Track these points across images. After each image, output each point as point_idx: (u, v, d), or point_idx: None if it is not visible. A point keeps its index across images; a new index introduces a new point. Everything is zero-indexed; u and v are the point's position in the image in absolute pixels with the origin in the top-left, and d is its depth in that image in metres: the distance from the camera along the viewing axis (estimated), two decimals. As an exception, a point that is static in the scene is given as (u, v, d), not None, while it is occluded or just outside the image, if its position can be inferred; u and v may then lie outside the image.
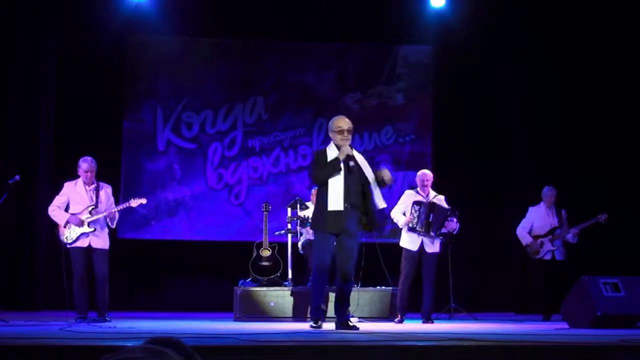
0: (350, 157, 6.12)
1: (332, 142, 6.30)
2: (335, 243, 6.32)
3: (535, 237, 8.62)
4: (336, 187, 6.11)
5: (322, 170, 6.14)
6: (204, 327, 6.34)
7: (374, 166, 10.77)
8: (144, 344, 1.84)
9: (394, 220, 7.78)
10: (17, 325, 6.37)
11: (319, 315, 6.28)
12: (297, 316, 7.81)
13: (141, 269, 10.30)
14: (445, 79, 10.98)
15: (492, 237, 10.74)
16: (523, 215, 9.00)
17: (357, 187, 6.17)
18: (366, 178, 6.24)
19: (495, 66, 10.83)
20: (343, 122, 6.22)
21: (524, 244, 8.73)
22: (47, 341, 4.40)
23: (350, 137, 6.20)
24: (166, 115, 10.74)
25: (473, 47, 10.59)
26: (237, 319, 7.85)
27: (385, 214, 7.56)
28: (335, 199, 6.09)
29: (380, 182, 6.26)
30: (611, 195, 9.77)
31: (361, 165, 6.24)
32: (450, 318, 8.65)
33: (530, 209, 8.81)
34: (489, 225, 10.73)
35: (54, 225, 7.35)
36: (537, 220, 8.70)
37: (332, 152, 6.21)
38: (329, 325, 6.48)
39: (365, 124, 10.96)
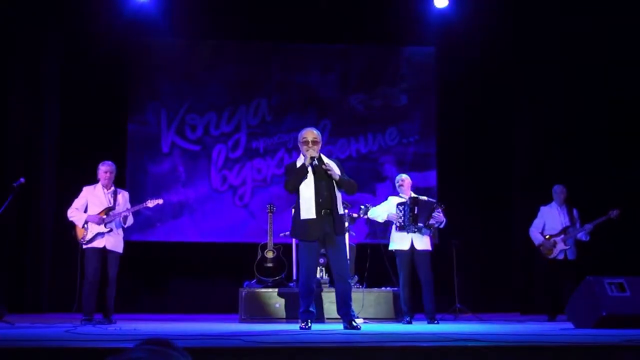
0: (313, 158, 6.32)
1: (300, 153, 6.54)
2: (323, 248, 6.53)
3: (548, 237, 8.58)
4: (307, 196, 6.32)
5: (291, 177, 6.38)
6: (209, 329, 6.34)
7: (378, 167, 10.90)
8: (143, 345, 1.85)
9: (373, 217, 7.81)
10: (23, 328, 6.38)
11: (309, 317, 6.39)
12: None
13: (146, 271, 10.32)
14: (449, 80, 10.98)
15: (497, 237, 10.74)
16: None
17: (328, 193, 6.34)
18: (333, 182, 6.39)
19: (498, 66, 10.83)
20: (308, 134, 6.49)
21: (536, 244, 8.68)
22: (53, 343, 4.41)
23: (315, 147, 6.41)
24: (170, 118, 10.76)
25: (476, 47, 10.59)
26: (242, 321, 7.85)
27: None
28: (307, 208, 6.30)
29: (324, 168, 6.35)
30: (618, 196, 9.76)
31: (330, 168, 6.35)
32: (455, 319, 8.64)
33: (542, 208, 8.76)
34: (494, 225, 10.74)
35: (72, 227, 7.42)
36: (548, 219, 8.65)
37: (300, 162, 6.46)
38: (317, 326, 6.56)
39: (369, 125, 10.99)
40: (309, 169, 6.33)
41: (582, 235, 8.49)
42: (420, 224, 7.52)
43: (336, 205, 6.35)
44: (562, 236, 8.50)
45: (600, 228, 8.48)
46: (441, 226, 7.77)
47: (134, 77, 10.75)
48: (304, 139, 6.45)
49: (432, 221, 7.59)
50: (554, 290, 8.48)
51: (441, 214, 7.65)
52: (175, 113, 10.80)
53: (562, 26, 10.33)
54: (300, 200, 6.33)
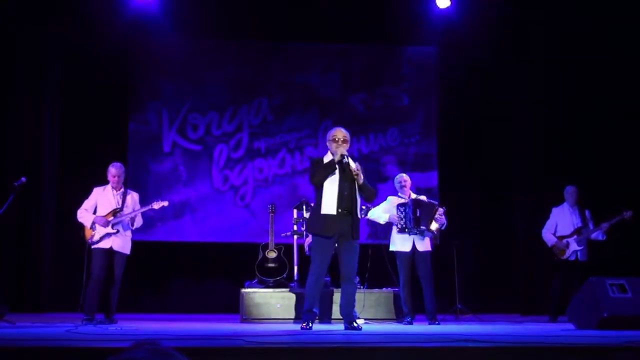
0: (344, 156, 6.36)
1: (328, 151, 6.58)
2: (335, 246, 6.49)
3: (560, 238, 8.55)
4: (330, 192, 6.34)
5: (319, 170, 6.41)
6: (209, 329, 6.34)
7: (380, 167, 10.90)
8: (139, 347, 1.86)
9: (373, 218, 7.79)
10: (24, 327, 6.38)
11: (311, 318, 6.36)
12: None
13: (147, 271, 10.32)
14: (450, 80, 10.98)
15: (497, 237, 10.73)
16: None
17: (350, 194, 6.36)
18: (356, 185, 6.42)
19: (499, 66, 10.83)
20: (338, 133, 6.54)
21: (549, 245, 8.64)
22: (54, 343, 4.41)
23: (344, 146, 6.47)
24: (171, 117, 10.77)
25: (477, 48, 10.59)
26: (243, 321, 7.85)
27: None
28: (329, 203, 6.32)
29: (357, 179, 6.39)
30: (618, 196, 9.75)
31: (358, 169, 6.37)
32: (456, 319, 8.63)
33: (554, 209, 8.72)
34: (494, 225, 10.73)
35: (80, 227, 7.43)
36: (560, 220, 8.61)
37: (328, 159, 6.49)
38: (319, 327, 6.57)
39: (370, 125, 10.99)
40: (337, 165, 6.36)
41: (598, 235, 8.45)
42: (422, 227, 7.49)
43: (356, 207, 6.39)
44: (575, 237, 8.46)
45: (612, 229, 8.45)
46: (442, 228, 7.74)
47: (135, 76, 10.75)
48: (334, 137, 6.49)
49: (434, 224, 7.55)
50: (560, 291, 8.42)
51: (443, 216, 7.63)
52: (176, 113, 10.81)
53: (562, 26, 10.32)
54: (323, 196, 6.34)
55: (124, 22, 10.11)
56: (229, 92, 10.94)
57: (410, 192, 7.82)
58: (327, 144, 6.59)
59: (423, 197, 7.80)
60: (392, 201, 7.78)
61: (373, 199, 6.68)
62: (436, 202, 7.72)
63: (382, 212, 7.73)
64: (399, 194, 7.82)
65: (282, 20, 10.55)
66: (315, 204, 6.51)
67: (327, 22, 10.62)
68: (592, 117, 10.40)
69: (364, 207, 7.98)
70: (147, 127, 10.74)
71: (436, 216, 7.55)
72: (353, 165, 6.40)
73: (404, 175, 7.96)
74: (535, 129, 10.73)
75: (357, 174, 6.35)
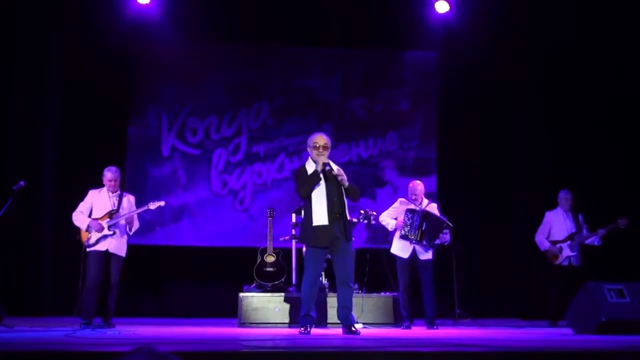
0: (325, 165, 6.37)
1: (309, 157, 6.56)
2: (329, 253, 6.52)
3: (553, 243, 8.54)
4: (319, 202, 6.33)
5: (305, 183, 6.39)
6: (208, 333, 6.34)
7: (379, 172, 10.89)
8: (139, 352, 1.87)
9: (383, 224, 7.76)
10: (22, 331, 6.38)
11: (309, 322, 6.38)
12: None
13: (145, 275, 10.32)
14: (450, 85, 10.99)
15: (497, 242, 10.72)
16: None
17: (338, 199, 6.38)
18: (342, 188, 6.43)
19: (499, 72, 10.83)
20: (319, 139, 6.52)
21: (542, 249, 8.62)
22: (52, 347, 4.40)
23: (325, 152, 6.46)
24: (171, 121, 10.77)
25: (478, 52, 10.60)
26: (242, 325, 7.85)
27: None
28: (320, 214, 6.32)
29: (343, 185, 6.41)
30: (619, 197, 9.76)
31: (340, 174, 6.39)
32: (455, 324, 8.62)
33: (547, 213, 8.70)
34: (494, 229, 10.72)
35: (77, 230, 7.43)
36: (554, 224, 8.59)
37: (310, 167, 6.48)
38: (317, 331, 6.58)
39: (370, 129, 10.99)
40: (321, 175, 6.35)
41: (594, 240, 8.46)
42: (425, 242, 7.45)
43: (345, 210, 6.39)
44: (569, 242, 8.45)
45: (607, 235, 8.44)
46: (445, 244, 7.69)
47: (135, 79, 10.75)
48: (315, 144, 6.47)
49: (437, 241, 7.52)
50: (559, 296, 8.41)
51: (448, 234, 7.57)
52: (175, 116, 10.81)
53: (562, 27, 10.33)
54: (312, 207, 6.34)
55: (124, 24, 10.14)
56: (229, 95, 10.93)
57: (423, 197, 7.76)
58: (308, 149, 6.57)
59: (434, 210, 7.71)
60: (401, 204, 7.72)
61: (358, 198, 6.63)
62: (445, 220, 7.55)
63: (390, 219, 7.69)
64: (412, 200, 7.74)
65: (282, 23, 10.56)
66: (305, 214, 6.49)
67: (328, 26, 10.63)
68: (592, 118, 10.40)
69: (362, 212, 7.98)
70: (146, 130, 10.73)
71: (441, 235, 7.50)
72: (335, 170, 6.41)
73: (418, 186, 7.76)
74: (535, 133, 10.72)
75: (341, 179, 6.35)
